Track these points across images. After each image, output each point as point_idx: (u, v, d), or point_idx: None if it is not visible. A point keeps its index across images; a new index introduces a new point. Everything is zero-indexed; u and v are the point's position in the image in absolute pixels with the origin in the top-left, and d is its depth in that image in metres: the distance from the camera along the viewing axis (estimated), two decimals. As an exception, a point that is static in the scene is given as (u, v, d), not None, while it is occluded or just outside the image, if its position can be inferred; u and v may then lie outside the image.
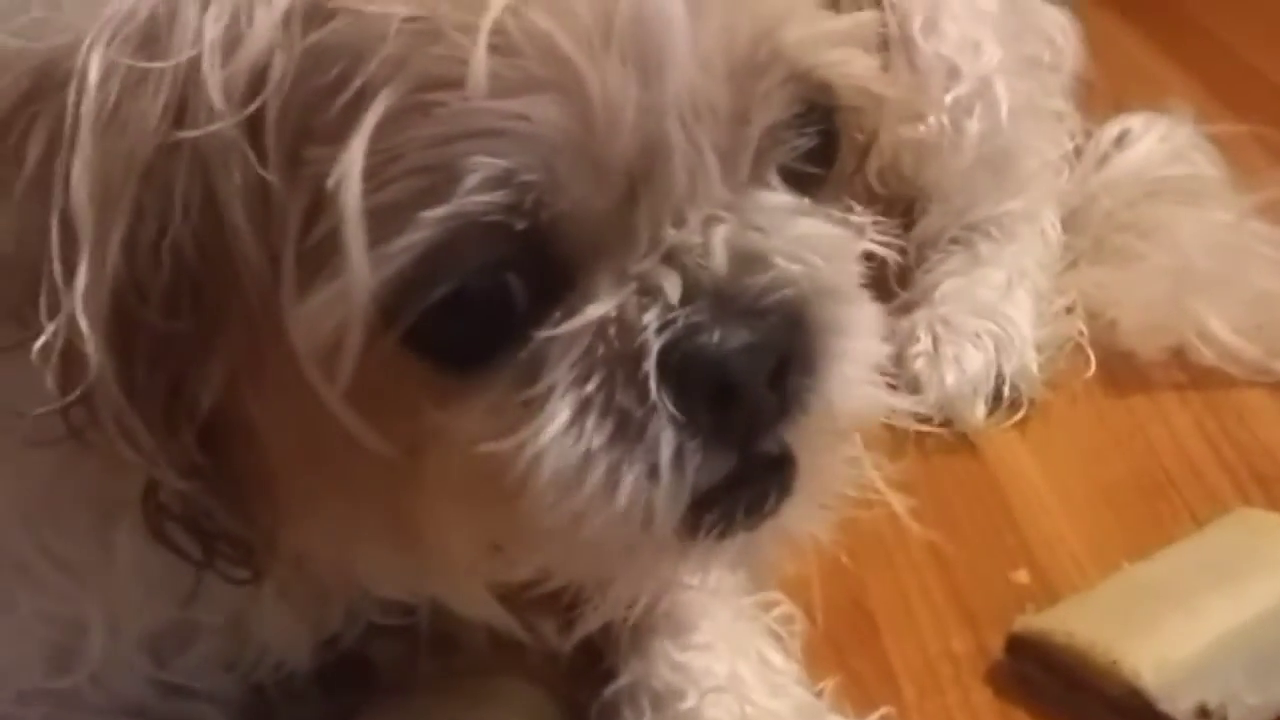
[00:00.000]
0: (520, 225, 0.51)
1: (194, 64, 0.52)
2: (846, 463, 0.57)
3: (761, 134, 0.53)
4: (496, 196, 0.50)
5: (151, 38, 0.53)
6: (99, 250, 0.52)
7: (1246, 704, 0.72)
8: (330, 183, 0.50)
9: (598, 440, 0.52)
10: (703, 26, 0.51)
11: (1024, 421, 0.95)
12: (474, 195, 0.50)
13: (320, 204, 0.51)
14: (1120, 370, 0.98)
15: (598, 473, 0.52)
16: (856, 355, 0.55)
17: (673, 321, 0.52)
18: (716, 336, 0.52)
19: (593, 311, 0.52)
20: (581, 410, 0.52)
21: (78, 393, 0.53)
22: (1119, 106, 1.11)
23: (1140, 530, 0.86)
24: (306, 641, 0.72)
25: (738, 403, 0.53)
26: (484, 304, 0.52)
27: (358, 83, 0.51)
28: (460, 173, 0.50)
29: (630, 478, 0.52)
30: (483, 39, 0.49)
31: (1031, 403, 0.95)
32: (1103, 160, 1.07)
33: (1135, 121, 1.07)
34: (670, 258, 0.53)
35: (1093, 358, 0.98)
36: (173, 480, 0.55)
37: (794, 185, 0.55)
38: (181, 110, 0.52)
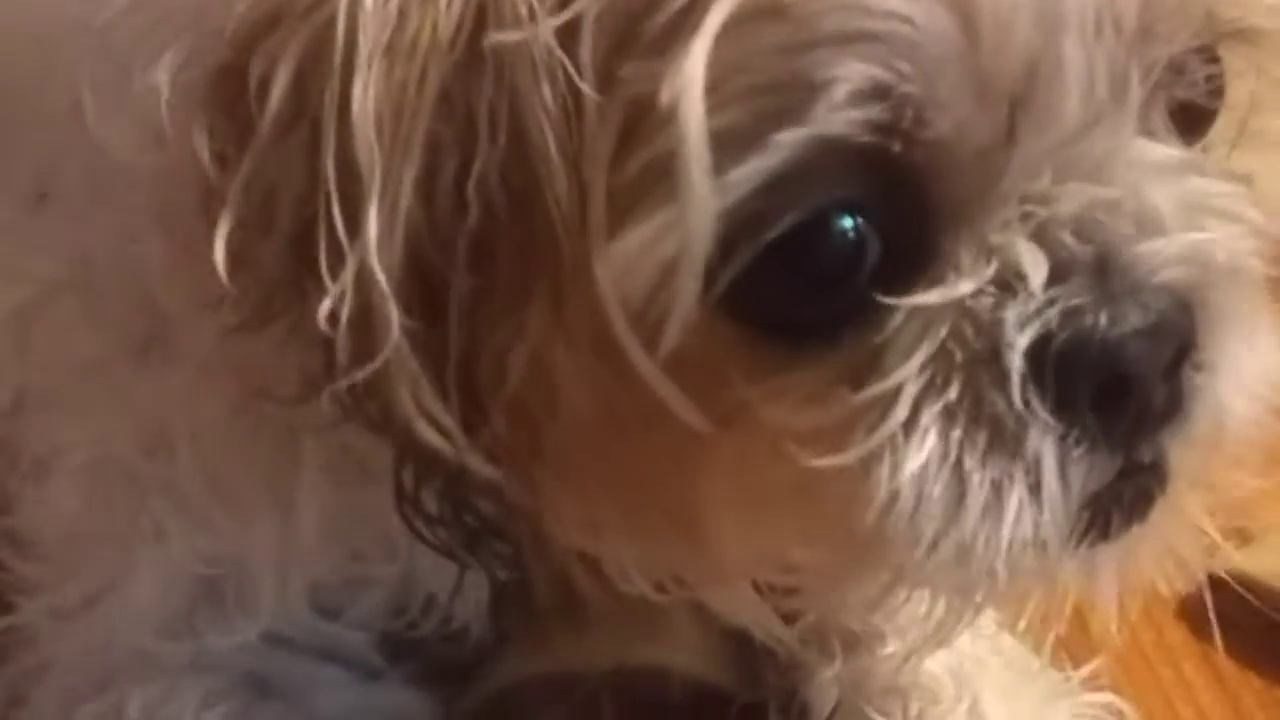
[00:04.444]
0: (896, 148, 0.43)
1: None
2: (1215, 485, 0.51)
3: (1164, 63, 0.46)
4: (870, 112, 0.42)
5: None
6: (391, 193, 0.45)
7: None
8: (665, 98, 0.42)
9: (970, 460, 0.45)
10: None
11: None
12: (842, 111, 0.42)
13: (638, 127, 0.44)
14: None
15: (976, 499, 0.45)
16: (1256, 354, 0.48)
17: (1039, 312, 0.45)
18: (1104, 319, 0.45)
19: (951, 290, 0.45)
20: (947, 422, 0.45)
21: (376, 362, 0.45)
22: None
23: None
24: (478, 596, 0.66)
25: (1128, 398, 0.46)
26: (825, 258, 0.45)
27: None
28: (823, 85, 0.42)
29: (1014, 500, 0.45)
30: None
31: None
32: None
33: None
34: (1040, 226, 0.45)
35: None
36: (478, 466, 0.48)
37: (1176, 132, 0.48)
38: (481, 17, 0.45)
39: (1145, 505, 0.48)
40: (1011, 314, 0.45)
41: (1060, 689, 0.67)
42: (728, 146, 0.43)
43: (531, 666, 0.71)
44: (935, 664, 0.67)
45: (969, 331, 0.45)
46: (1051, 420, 0.45)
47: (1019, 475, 0.45)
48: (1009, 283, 0.45)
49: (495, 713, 0.71)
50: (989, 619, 0.69)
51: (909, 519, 0.46)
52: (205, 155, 0.49)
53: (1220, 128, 0.92)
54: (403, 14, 0.45)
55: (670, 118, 0.43)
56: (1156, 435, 0.47)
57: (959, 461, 0.45)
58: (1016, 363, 0.45)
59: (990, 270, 0.45)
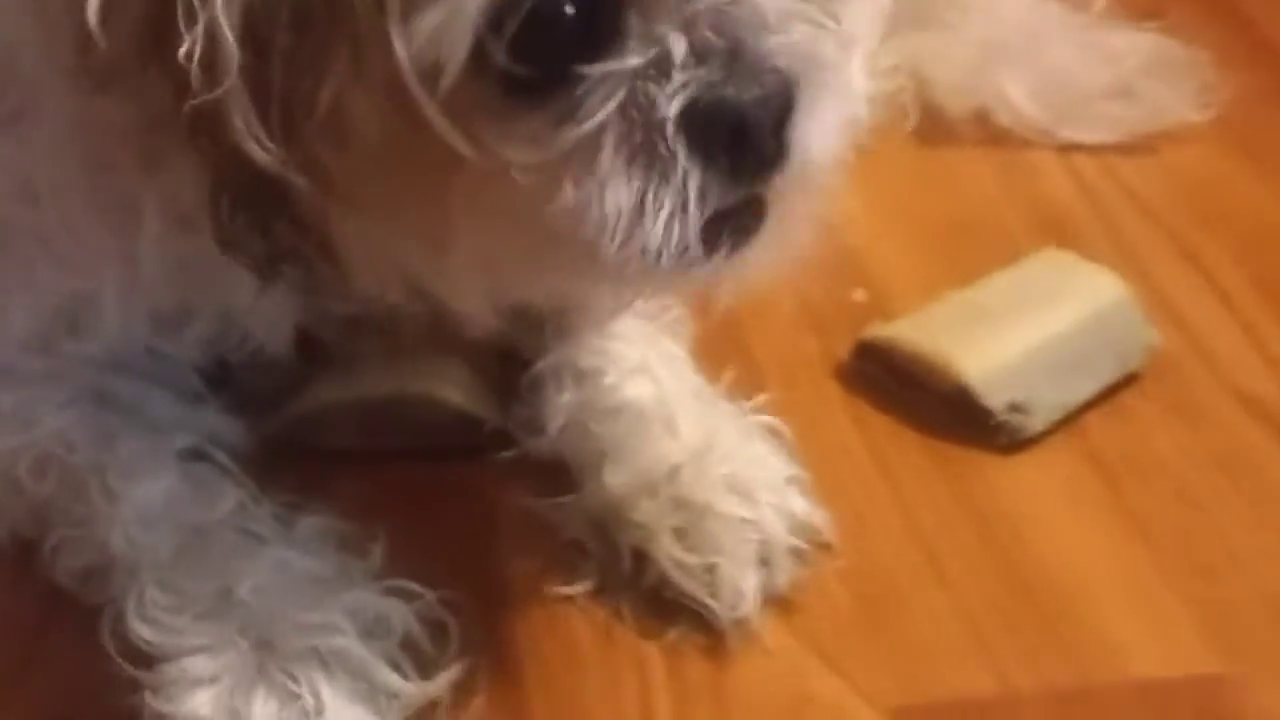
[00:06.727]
0: None
1: None
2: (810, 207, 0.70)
3: None
4: None
5: None
6: None
7: (1046, 400, 0.90)
8: None
9: (640, 184, 0.64)
10: None
11: (854, 166, 1.10)
12: None
13: None
14: (934, 125, 1.15)
15: (642, 208, 0.64)
16: (836, 113, 0.68)
17: (686, 85, 0.63)
18: (733, 90, 0.64)
19: (624, 64, 0.63)
20: (624, 159, 0.64)
21: (220, 90, 0.61)
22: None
23: (953, 261, 1.03)
24: (286, 331, 0.84)
25: (749, 145, 0.65)
26: (546, 36, 0.62)
27: None
28: None
29: (665, 208, 0.64)
30: None
31: (860, 149, 1.10)
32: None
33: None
34: (690, 21, 0.63)
35: (912, 113, 1.14)
36: (290, 174, 0.63)
37: None
38: None
39: (754, 229, 0.68)
40: (666, 85, 0.64)
41: (734, 413, 0.86)
42: None
43: (326, 396, 0.88)
44: (642, 393, 0.85)
45: (641, 94, 0.64)
46: (696, 159, 0.64)
47: (672, 194, 0.64)
48: (666, 61, 0.64)
49: (295, 431, 0.87)
50: (683, 362, 0.89)
51: (595, 220, 0.64)
52: None
53: (902, 12, 1.14)
54: None
55: None
56: (770, 172, 0.66)
57: (630, 184, 0.64)
58: (670, 117, 0.63)
59: (655, 50, 0.64)
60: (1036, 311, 0.93)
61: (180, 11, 0.62)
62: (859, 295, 1.00)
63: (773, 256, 0.70)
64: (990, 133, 1.15)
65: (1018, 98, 1.14)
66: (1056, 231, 1.06)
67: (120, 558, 0.77)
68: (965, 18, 1.18)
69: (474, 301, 0.74)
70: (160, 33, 0.63)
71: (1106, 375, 0.92)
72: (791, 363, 0.96)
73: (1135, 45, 1.16)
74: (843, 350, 0.96)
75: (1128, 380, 0.94)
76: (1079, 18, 1.19)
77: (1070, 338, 0.92)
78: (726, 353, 0.93)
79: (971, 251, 1.04)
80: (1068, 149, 1.14)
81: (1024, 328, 0.92)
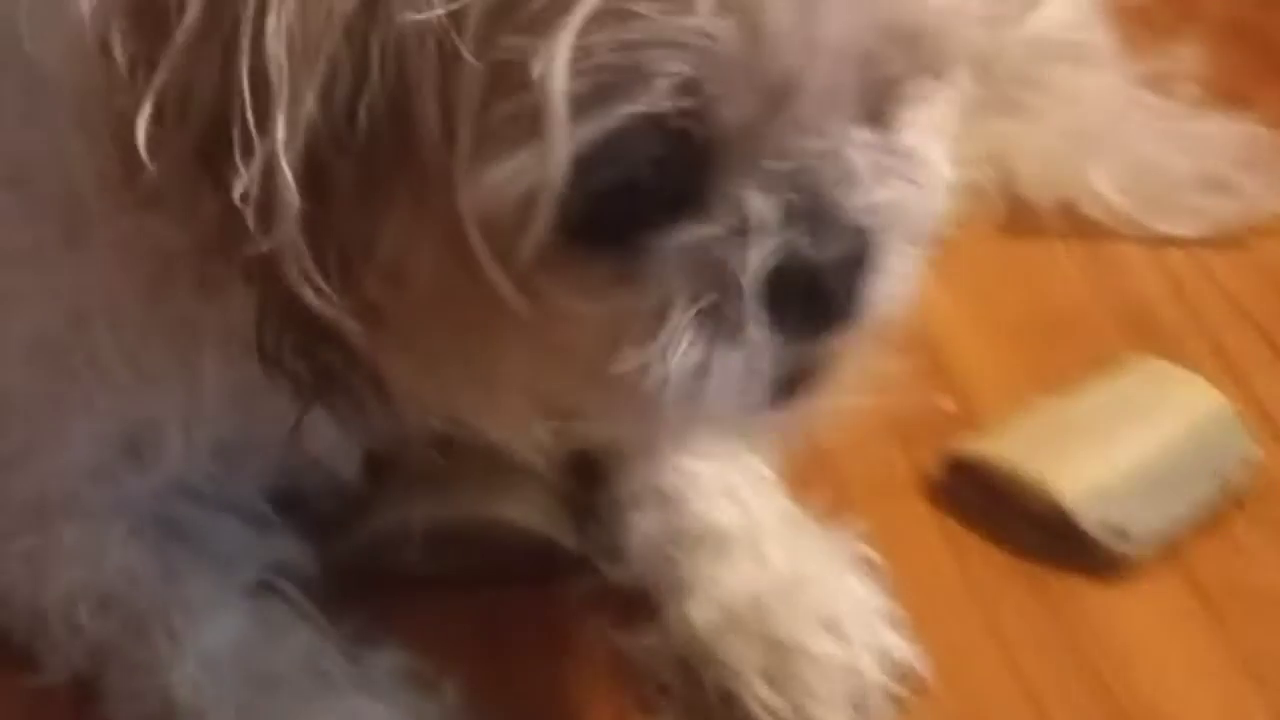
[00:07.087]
0: (698, 131, 0.58)
1: None
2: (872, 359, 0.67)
3: (882, 78, 0.61)
4: (683, 102, 0.57)
5: None
6: (295, 103, 0.57)
7: (1145, 522, 0.86)
8: (535, 69, 0.56)
9: (705, 341, 0.61)
10: None
11: (937, 258, 1.07)
12: (664, 97, 0.56)
13: (504, 85, 0.57)
14: (1018, 216, 1.11)
15: (704, 365, 0.61)
16: (907, 261, 0.65)
17: (767, 246, 0.60)
18: (813, 251, 0.61)
19: (705, 227, 0.60)
20: (695, 320, 0.60)
21: (275, 234, 0.57)
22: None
23: (1041, 363, 0.99)
24: (355, 457, 0.81)
25: (824, 305, 0.62)
26: (626, 199, 0.59)
27: None
28: (650, 75, 0.56)
29: (731, 368, 0.61)
30: None
31: (944, 241, 1.07)
32: (1014, 19, 1.17)
33: (1043, -16, 1.18)
34: (774, 186, 0.60)
35: (996, 203, 1.11)
36: (343, 319, 0.60)
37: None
38: None
39: (820, 379, 0.65)
40: (745, 248, 0.60)
41: (823, 538, 0.83)
42: (576, 109, 0.57)
43: (395, 515, 0.84)
44: (727, 518, 0.82)
45: (717, 255, 0.60)
46: (767, 318, 0.61)
47: (740, 354, 0.61)
48: (746, 223, 0.60)
49: (364, 554, 0.84)
50: (770, 483, 0.85)
51: (655, 377, 0.61)
52: (120, 57, 0.59)
53: (986, 97, 1.10)
54: None
55: (539, 83, 0.56)
56: (840, 327, 0.63)
57: (696, 344, 0.61)
58: (747, 280, 0.60)
59: (735, 212, 0.60)
60: (1132, 427, 0.90)
61: (237, 144, 0.58)
62: (946, 404, 0.97)
63: (837, 404, 0.67)
64: (1076, 224, 1.11)
65: (1105, 189, 1.11)
66: (1147, 331, 1.03)
67: (183, 706, 0.74)
68: (1050, 103, 1.14)
69: (519, 439, 0.71)
70: (214, 164, 0.59)
71: (1206, 494, 0.89)
72: (879, 479, 0.92)
73: (1225, 134, 1.12)
74: (931, 464, 0.93)
75: (1229, 498, 0.89)
76: (1167, 105, 1.15)
77: (1168, 455, 0.89)
78: (811, 469, 0.89)
79: (1060, 352, 1.01)
80: (1158, 242, 1.10)
81: (1120, 445, 0.89)
